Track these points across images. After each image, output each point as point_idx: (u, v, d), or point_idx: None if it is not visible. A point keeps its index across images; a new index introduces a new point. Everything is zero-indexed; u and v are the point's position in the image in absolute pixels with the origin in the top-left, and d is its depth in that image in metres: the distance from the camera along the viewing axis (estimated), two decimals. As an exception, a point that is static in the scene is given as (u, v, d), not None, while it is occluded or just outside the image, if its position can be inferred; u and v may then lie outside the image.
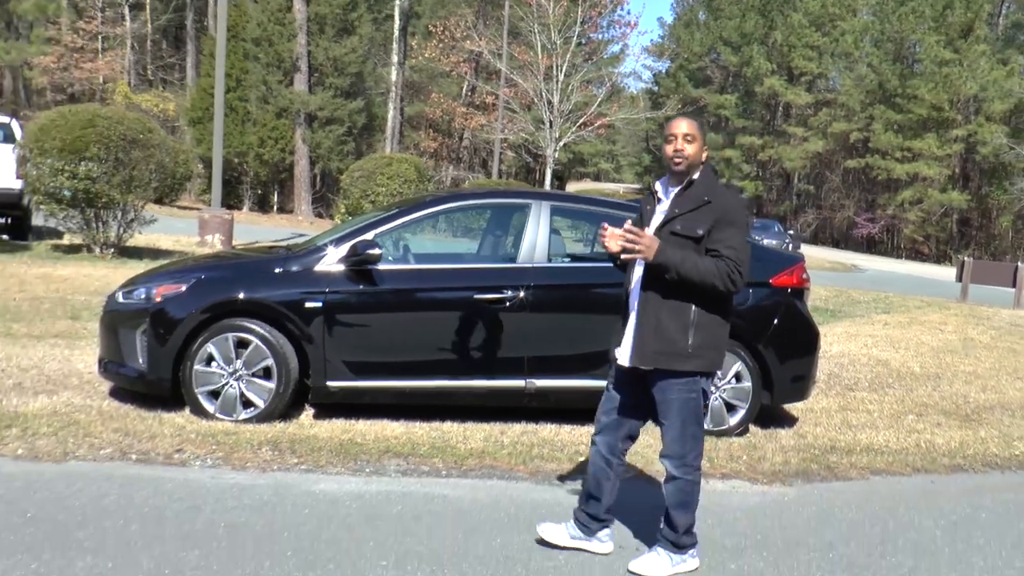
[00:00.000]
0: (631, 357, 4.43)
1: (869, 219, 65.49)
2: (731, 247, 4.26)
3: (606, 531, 4.76)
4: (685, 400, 4.41)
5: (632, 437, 4.74)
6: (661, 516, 4.58)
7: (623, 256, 4.28)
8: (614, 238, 4.26)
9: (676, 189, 4.47)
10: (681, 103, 66.78)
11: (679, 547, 4.53)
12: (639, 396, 4.57)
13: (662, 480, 4.63)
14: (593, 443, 4.73)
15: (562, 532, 4.73)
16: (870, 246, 66.22)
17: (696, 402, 4.44)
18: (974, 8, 60.04)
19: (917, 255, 62.56)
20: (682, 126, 4.44)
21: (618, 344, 4.57)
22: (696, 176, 4.43)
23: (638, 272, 4.43)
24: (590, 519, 4.71)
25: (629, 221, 4.38)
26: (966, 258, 23.45)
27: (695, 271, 4.21)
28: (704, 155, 4.48)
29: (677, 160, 4.41)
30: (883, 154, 62.68)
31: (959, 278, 22.80)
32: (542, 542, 4.70)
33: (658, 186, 4.62)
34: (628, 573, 4.48)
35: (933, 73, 59.69)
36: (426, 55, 50.41)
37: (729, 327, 4.54)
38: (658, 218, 4.47)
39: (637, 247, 4.20)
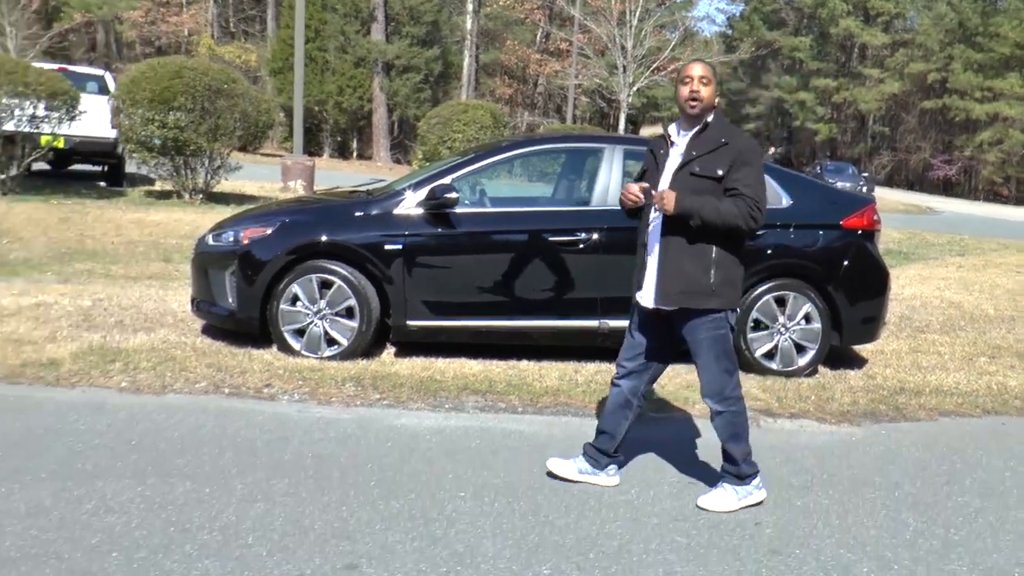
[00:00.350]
0: (655, 299, 4.46)
1: (946, 161, 63.74)
2: (748, 185, 4.28)
3: (613, 466, 4.81)
4: (715, 337, 4.44)
5: (654, 379, 4.83)
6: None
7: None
8: (628, 197, 4.42)
9: (691, 132, 4.45)
10: (755, 46, 65.41)
11: (741, 478, 4.57)
12: (663, 338, 4.62)
13: (707, 418, 4.73)
14: (615, 385, 4.75)
15: (571, 467, 4.78)
16: (947, 188, 64.49)
17: (725, 337, 4.48)
18: (1063, -59, 57.58)
19: (995, 197, 60.71)
20: (697, 69, 4.42)
21: (639, 287, 4.59)
22: (710, 119, 4.42)
23: (655, 216, 4.44)
24: (600, 454, 4.76)
25: (635, 185, 4.47)
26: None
27: (716, 215, 4.24)
28: (716, 99, 4.45)
29: (693, 103, 4.38)
30: (961, 94, 60.73)
31: (1039, 220, 22.13)
32: (551, 475, 4.76)
33: (671, 129, 4.58)
34: (697, 508, 4.52)
35: (1017, 10, 57.43)
36: (501, 3, 50.06)
37: (743, 267, 4.57)
38: (675, 161, 4.47)
39: (659, 205, 4.31)
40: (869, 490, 4.95)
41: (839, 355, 7.71)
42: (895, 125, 71.60)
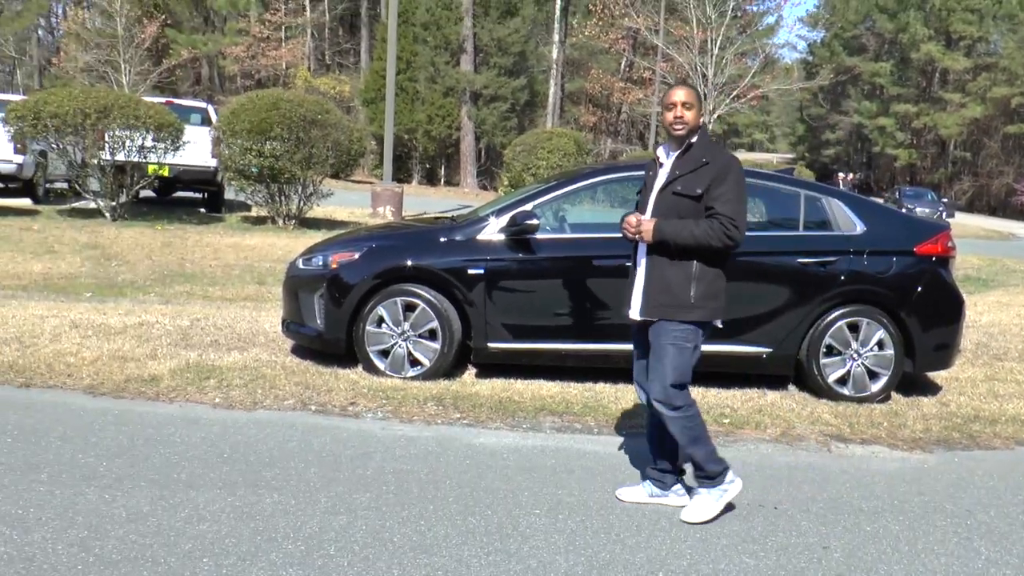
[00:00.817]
0: (641, 311, 4.55)
1: (1029, 186, 61.95)
2: (726, 202, 4.37)
3: (680, 485, 4.80)
4: (679, 348, 4.46)
5: None
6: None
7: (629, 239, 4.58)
8: (626, 229, 4.51)
9: (676, 152, 4.54)
10: (835, 72, 64.52)
11: (712, 478, 4.56)
12: None
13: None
14: (648, 405, 4.71)
15: (640, 492, 4.80)
16: (1029, 214, 62.60)
17: (689, 354, 4.50)
18: None
19: (1080, 223, 58.73)
20: (680, 94, 4.49)
21: (628, 304, 4.66)
22: (694, 140, 4.50)
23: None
24: (663, 474, 4.77)
25: (633, 216, 4.53)
26: None
27: (691, 238, 4.35)
28: (700, 120, 4.53)
29: (678, 127, 4.46)
30: (1047, 118, 59.09)
31: None
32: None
33: (660, 152, 4.66)
34: (682, 523, 4.51)
35: (1105, 32, 55.72)
36: (586, 33, 50.17)
37: (726, 278, 4.61)
38: (660, 180, 4.56)
39: (639, 235, 4.46)
40: (940, 517, 4.85)
41: (912, 382, 7.56)
42: (976, 150, 69.81)
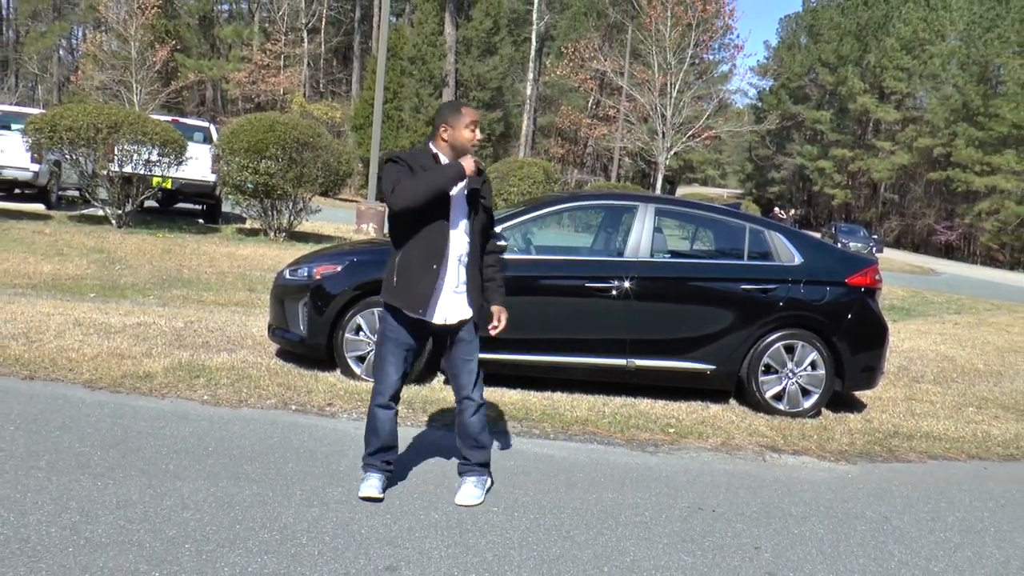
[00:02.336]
0: (451, 315, 4.48)
1: (948, 227, 63.01)
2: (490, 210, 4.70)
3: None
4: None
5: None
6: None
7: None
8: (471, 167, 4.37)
9: None
10: (781, 117, 65.27)
11: (487, 464, 4.71)
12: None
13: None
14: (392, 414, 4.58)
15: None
16: (948, 252, 63.52)
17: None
18: (1061, 34, 56.91)
19: (992, 261, 59.61)
20: (477, 115, 4.50)
21: (425, 301, 4.36)
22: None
23: (460, 233, 4.43)
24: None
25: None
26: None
27: None
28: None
29: (477, 146, 4.46)
30: (963, 168, 60.09)
31: (1030, 284, 21.72)
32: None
33: (443, 159, 4.44)
34: (459, 506, 4.51)
35: (1016, 94, 56.74)
36: (557, 73, 50.46)
37: None
38: (459, 188, 4.42)
39: None
40: (861, 523, 4.89)
41: (841, 400, 7.62)
42: (903, 193, 70.80)
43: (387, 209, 4.37)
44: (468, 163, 4.32)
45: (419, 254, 4.33)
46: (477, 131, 4.44)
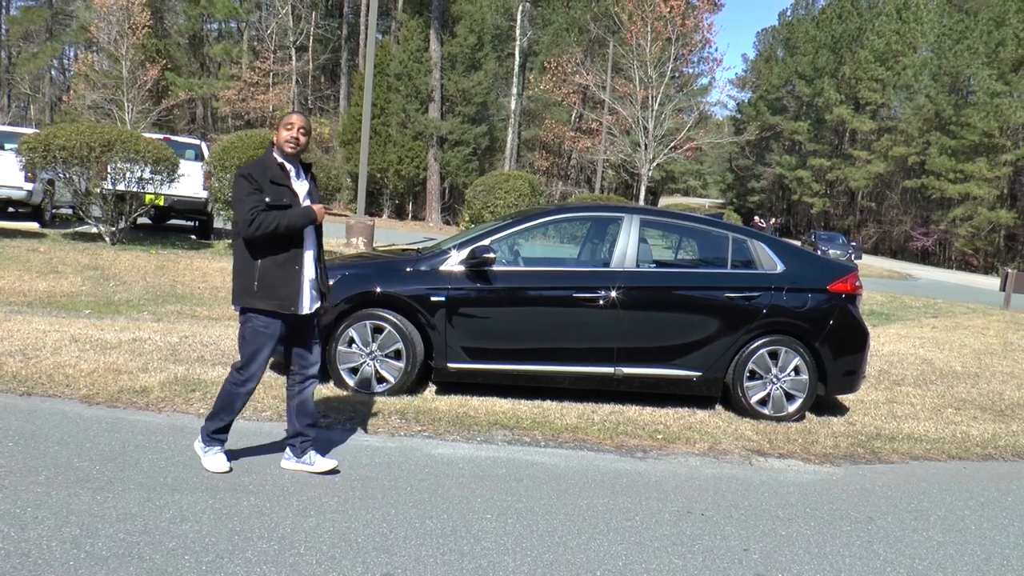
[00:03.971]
0: (313, 302, 4.85)
1: (924, 233, 63.43)
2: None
3: (312, 452, 5.00)
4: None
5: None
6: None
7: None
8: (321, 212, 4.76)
9: (299, 168, 4.84)
10: (760, 129, 65.63)
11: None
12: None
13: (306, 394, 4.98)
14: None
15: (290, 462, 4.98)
16: (924, 257, 63.93)
17: None
18: (1025, 45, 57.51)
19: (967, 266, 60.02)
20: (300, 120, 4.76)
21: (299, 299, 4.74)
22: (302, 160, 4.89)
23: (311, 237, 4.82)
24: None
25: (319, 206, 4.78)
26: (1009, 270, 22.40)
27: None
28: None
29: (295, 145, 4.70)
30: (937, 175, 60.54)
31: (1003, 288, 21.83)
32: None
33: (288, 165, 4.75)
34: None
35: (985, 103, 57.23)
36: (541, 87, 50.55)
37: None
38: (305, 192, 4.80)
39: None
40: (846, 523, 4.91)
41: (824, 403, 7.66)
42: (880, 201, 71.24)
43: (238, 225, 4.63)
44: (319, 210, 4.74)
45: (282, 259, 4.67)
46: (294, 131, 4.69)
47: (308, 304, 4.79)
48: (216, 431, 4.81)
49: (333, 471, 4.94)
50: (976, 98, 59.20)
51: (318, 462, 4.96)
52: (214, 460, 4.80)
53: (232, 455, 5.04)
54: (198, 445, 4.88)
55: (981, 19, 61.58)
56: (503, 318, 6.88)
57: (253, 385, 4.81)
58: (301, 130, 4.70)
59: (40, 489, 4.27)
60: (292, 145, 4.68)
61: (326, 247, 18.78)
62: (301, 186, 4.80)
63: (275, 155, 4.73)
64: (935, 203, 63.80)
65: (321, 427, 5.78)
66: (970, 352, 12.25)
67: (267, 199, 4.56)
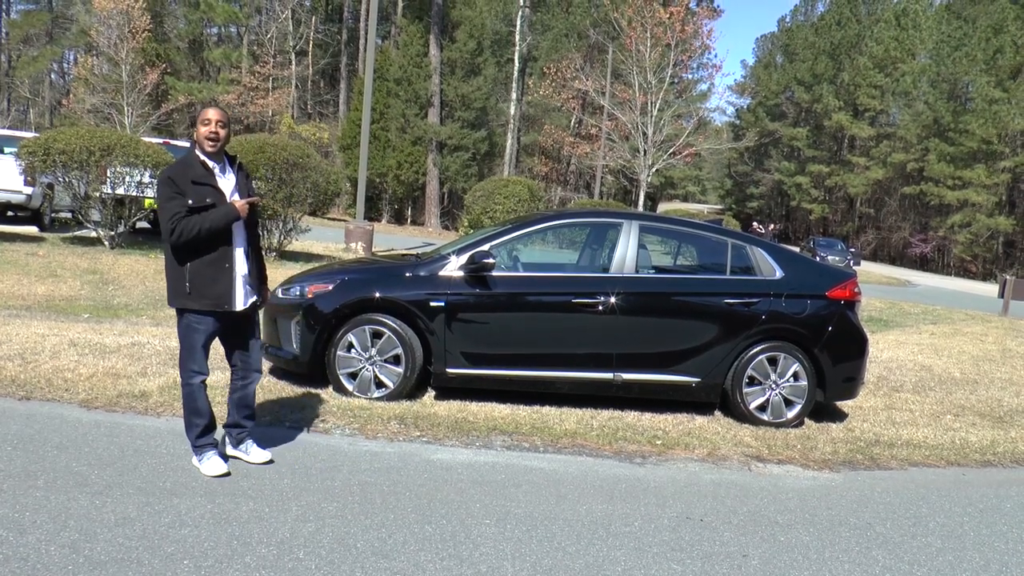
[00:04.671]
0: (248, 299, 4.87)
1: (922, 240, 63.47)
2: None
3: (250, 441, 5.11)
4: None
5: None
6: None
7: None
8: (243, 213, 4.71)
9: (225, 163, 4.81)
10: (759, 135, 65.70)
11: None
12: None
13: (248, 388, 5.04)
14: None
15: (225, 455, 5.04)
16: (923, 264, 63.94)
17: None
18: (1023, 52, 57.53)
19: (965, 273, 60.08)
20: (216, 114, 4.70)
21: (232, 296, 4.76)
22: (227, 153, 4.86)
23: (238, 229, 4.77)
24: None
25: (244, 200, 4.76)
26: (1008, 276, 22.40)
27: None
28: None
29: (215, 141, 4.66)
30: (936, 182, 60.63)
31: (1001, 294, 21.81)
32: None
33: (210, 162, 4.71)
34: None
35: (983, 110, 57.33)
36: (540, 93, 50.53)
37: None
38: (232, 187, 4.78)
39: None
40: (845, 529, 4.91)
41: (823, 409, 7.67)
42: (879, 207, 71.30)
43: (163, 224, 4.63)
44: (241, 206, 4.69)
45: (211, 258, 4.68)
46: (211, 126, 4.64)
47: (242, 300, 4.81)
48: (199, 437, 4.82)
49: (268, 462, 5.04)
50: (974, 105, 59.29)
51: (253, 452, 5.06)
52: (210, 465, 4.80)
53: (231, 460, 5.04)
54: (194, 460, 4.89)
55: (979, 26, 61.70)
56: (502, 323, 6.88)
57: (203, 377, 4.80)
58: (219, 123, 4.66)
59: (39, 493, 4.27)
60: (212, 142, 4.65)
61: (325, 252, 18.79)
62: (227, 181, 4.76)
63: (197, 153, 4.69)
64: (934, 209, 63.86)
65: (265, 423, 5.78)
66: (969, 359, 12.26)
67: (189, 201, 4.54)
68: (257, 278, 4.94)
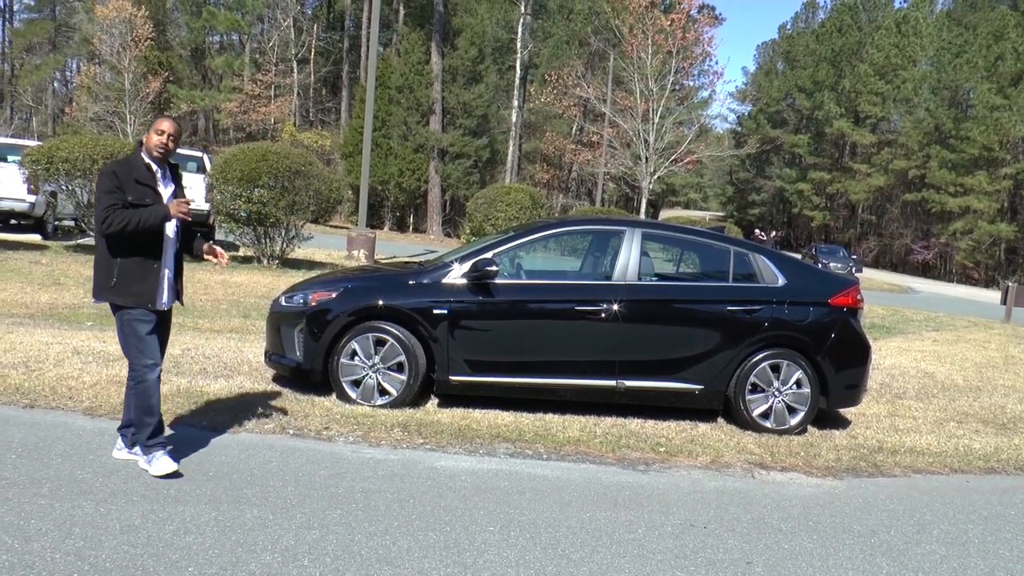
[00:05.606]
0: (171, 299, 5.03)
1: (924, 246, 63.52)
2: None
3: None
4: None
5: None
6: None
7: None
8: (182, 214, 4.82)
9: (167, 171, 4.98)
10: (760, 142, 65.74)
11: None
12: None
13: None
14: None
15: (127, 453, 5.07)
16: (925, 270, 63.97)
17: None
18: (1024, 59, 57.73)
19: (967, 279, 60.06)
20: (171, 127, 4.89)
21: (158, 295, 4.86)
22: (170, 163, 5.01)
23: (171, 231, 4.92)
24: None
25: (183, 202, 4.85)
26: (1010, 283, 22.40)
27: None
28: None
29: (164, 150, 4.85)
30: (938, 189, 60.72)
31: (1003, 301, 21.85)
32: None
33: (154, 166, 4.88)
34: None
35: (985, 117, 57.43)
36: (542, 100, 50.70)
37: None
38: (169, 195, 4.93)
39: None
40: (849, 537, 4.91)
41: (826, 416, 7.66)
42: (881, 214, 71.34)
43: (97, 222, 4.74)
44: (175, 207, 4.78)
45: (142, 257, 4.79)
46: (164, 138, 4.82)
47: (167, 300, 4.96)
48: (150, 439, 4.84)
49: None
50: (976, 112, 59.37)
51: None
52: (160, 464, 4.81)
53: (234, 467, 5.05)
54: (141, 462, 4.89)
55: (980, 33, 61.82)
56: (505, 331, 6.90)
57: (157, 370, 4.87)
58: (171, 137, 4.86)
59: (43, 501, 4.28)
60: (161, 150, 4.83)
61: (327, 259, 18.83)
62: (166, 188, 4.93)
63: (143, 155, 4.85)
64: (935, 216, 63.91)
65: (268, 431, 5.79)
66: (972, 365, 12.26)
67: (129, 197, 4.68)
68: (180, 282, 5.10)
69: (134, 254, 4.75)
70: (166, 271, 4.91)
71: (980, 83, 58.70)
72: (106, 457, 5.03)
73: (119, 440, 5.10)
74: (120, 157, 4.92)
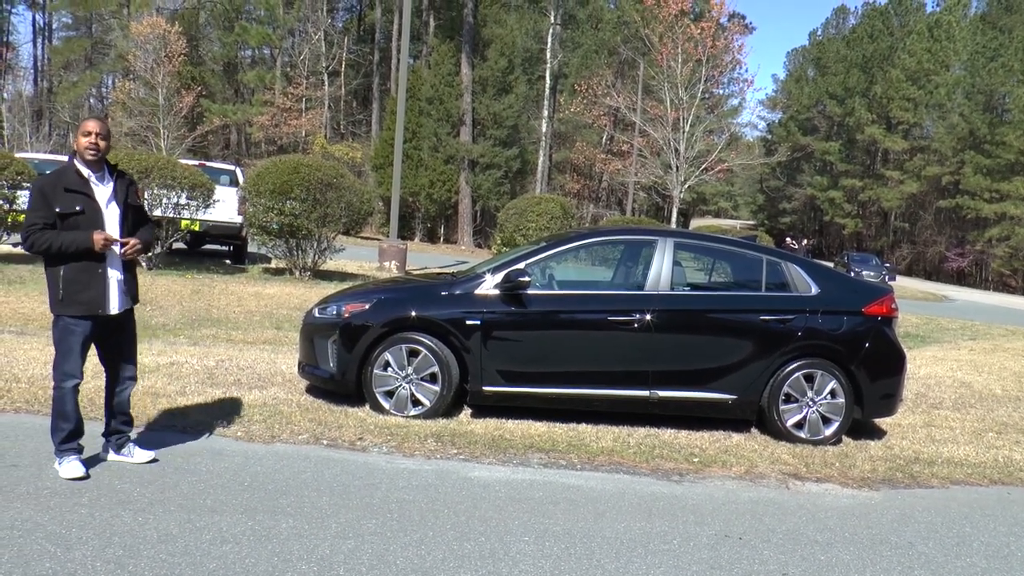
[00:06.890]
0: (124, 303, 4.96)
1: (959, 254, 62.62)
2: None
3: (131, 445, 5.25)
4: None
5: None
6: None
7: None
8: (108, 246, 4.75)
9: (105, 172, 4.90)
10: (791, 149, 65.24)
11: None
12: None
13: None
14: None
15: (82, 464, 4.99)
16: (960, 278, 63.04)
17: None
18: (1063, 62, 56.87)
19: (1005, 287, 59.11)
20: (96, 125, 4.82)
21: (105, 300, 4.83)
22: (108, 163, 4.94)
23: (115, 229, 4.84)
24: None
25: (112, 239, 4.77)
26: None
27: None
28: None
29: (95, 151, 4.77)
30: (972, 195, 59.91)
31: (1043, 309, 21.49)
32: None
33: (85, 171, 4.80)
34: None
35: (1021, 121, 56.57)
36: (572, 110, 50.71)
37: None
38: (109, 194, 4.87)
39: (132, 251, 4.88)
40: (885, 549, 4.86)
41: (861, 427, 7.58)
42: (914, 221, 70.53)
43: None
44: (97, 238, 4.69)
45: (84, 264, 4.75)
46: (92, 137, 4.76)
47: (117, 304, 4.90)
48: (63, 442, 4.88)
49: (152, 460, 5.20)
50: (1012, 116, 58.57)
51: (137, 454, 5.21)
52: (68, 468, 4.85)
53: (269, 478, 5.10)
54: (55, 463, 4.94)
55: (1015, 36, 61.03)
56: (538, 341, 6.91)
57: (75, 382, 4.84)
58: (99, 136, 4.79)
59: (84, 510, 4.35)
60: (92, 152, 4.78)
61: (359, 271, 18.93)
62: (104, 189, 4.85)
63: (75, 162, 4.81)
64: (970, 223, 63.06)
65: (302, 442, 5.83)
66: (1010, 375, 12.07)
67: (57, 208, 4.66)
68: (133, 284, 5.06)
69: (76, 259, 4.72)
70: (113, 273, 4.86)
71: (1016, 87, 57.92)
72: (143, 467, 5.10)
73: (107, 445, 5.23)
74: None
